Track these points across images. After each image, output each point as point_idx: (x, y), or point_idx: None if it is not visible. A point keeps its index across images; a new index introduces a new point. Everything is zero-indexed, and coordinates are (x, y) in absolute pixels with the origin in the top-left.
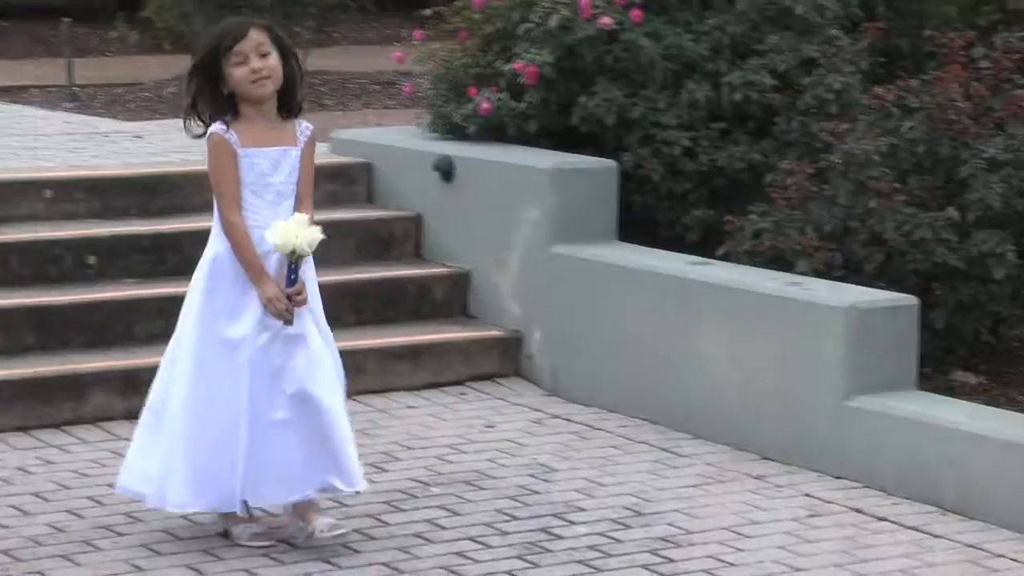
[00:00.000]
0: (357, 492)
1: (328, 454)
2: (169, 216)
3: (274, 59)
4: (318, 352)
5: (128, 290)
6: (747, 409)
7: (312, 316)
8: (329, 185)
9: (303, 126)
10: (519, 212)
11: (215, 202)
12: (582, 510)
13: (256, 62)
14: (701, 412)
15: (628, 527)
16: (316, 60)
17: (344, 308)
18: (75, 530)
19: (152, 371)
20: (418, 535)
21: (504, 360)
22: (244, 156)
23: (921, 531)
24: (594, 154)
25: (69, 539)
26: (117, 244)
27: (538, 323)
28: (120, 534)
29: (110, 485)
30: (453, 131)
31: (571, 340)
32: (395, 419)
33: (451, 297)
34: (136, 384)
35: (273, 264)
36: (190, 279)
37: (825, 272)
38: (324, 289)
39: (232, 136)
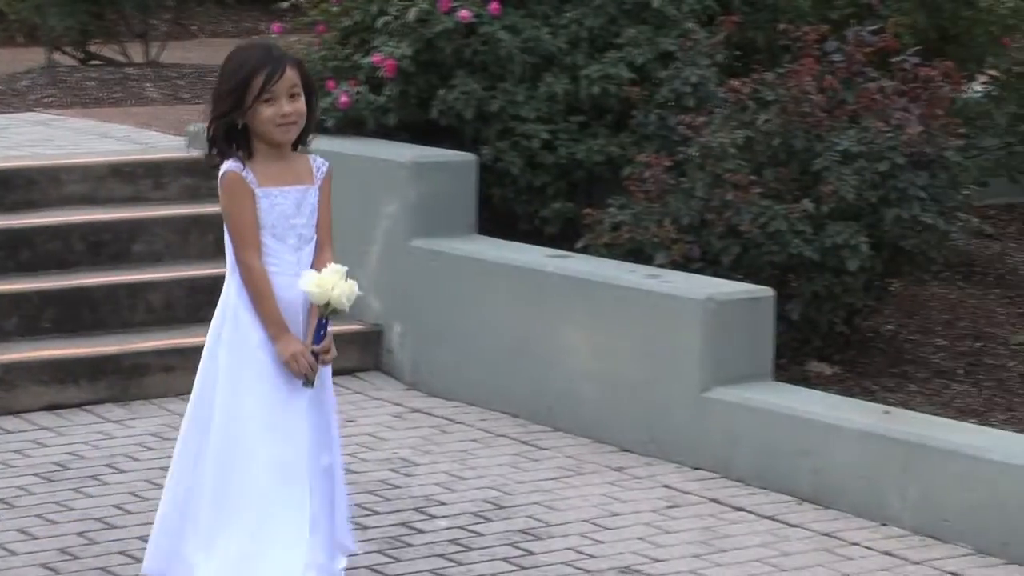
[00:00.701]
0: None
1: (322, 525)
2: (23, 211)
3: (302, 102)
4: (331, 416)
5: None
6: (606, 401)
7: (323, 373)
8: (187, 179)
9: (318, 162)
10: (378, 206)
11: (229, 247)
12: (443, 504)
13: (286, 105)
14: (561, 405)
15: (489, 520)
16: (173, 53)
17: (203, 302)
18: None
19: (5, 367)
20: None
21: (364, 354)
22: (264, 196)
23: (777, 520)
24: (453, 147)
25: None
26: None
27: (398, 317)
28: None
29: None
30: None
31: (431, 334)
32: None
33: None
34: None
35: (294, 316)
36: (44, 275)
37: (683, 264)
38: (183, 284)
39: (249, 175)
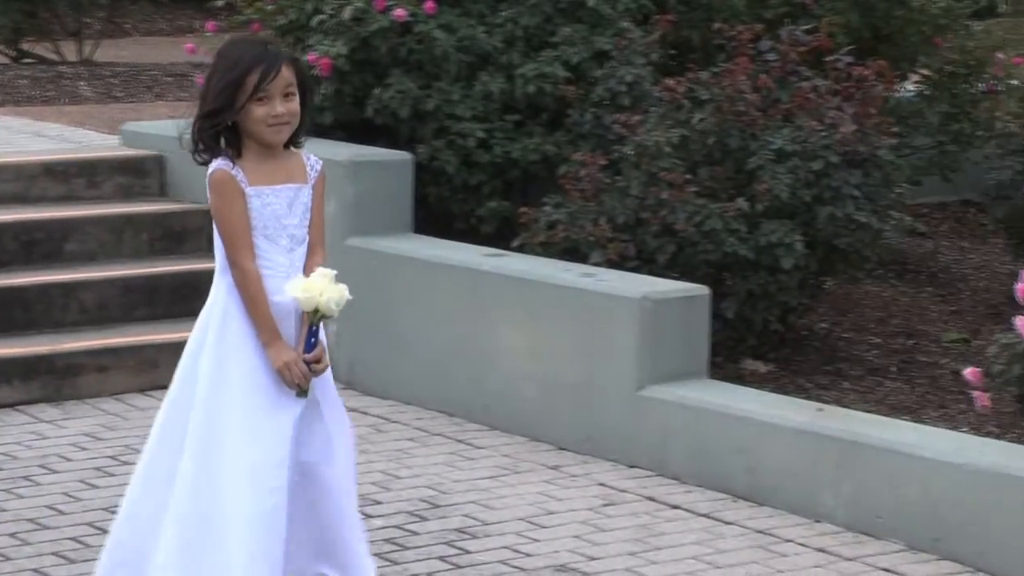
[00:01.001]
0: None
1: (328, 543)
2: None
3: (296, 102)
4: (333, 426)
5: None
6: (542, 400)
7: (324, 384)
8: (121, 178)
9: (312, 160)
10: None
11: (218, 249)
12: (378, 503)
13: (279, 105)
14: (497, 404)
15: (424, 519)
16: (106, 51)
17: (137, 302)
18: None
19: None
20: None
21: None
22: (255, 195)
23: (712, 518)
24: (389, 146)
25: None
26: None
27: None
28: None
29: None
30: None
31: (367, 333)
32: None
33: None
34: None
35: (287, 321)
36: None
37: (618, 263)
38: (116, 284)
39: (239, 173)
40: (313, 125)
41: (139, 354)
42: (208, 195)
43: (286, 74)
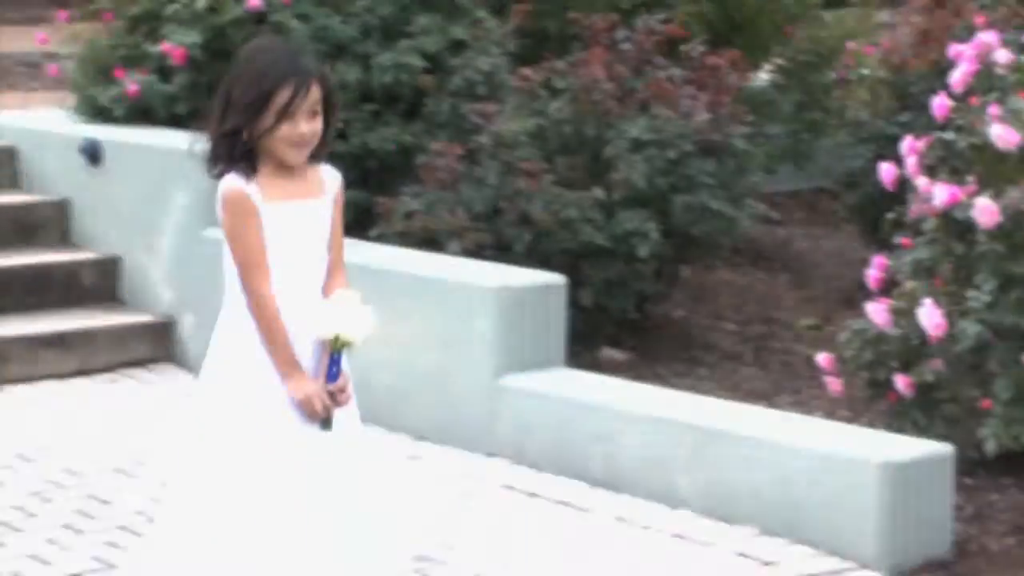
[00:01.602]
0: None
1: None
2: None
3: (319, 120)
4: (363, 461)
5: None
6: (401, 390)
7: (350, 414)
8: None
9: (331, 173)
10: (169, 196)
11: (230, 271)
12: None
13: (303, 124)
14: (354, 394)
15: None
16: None
17: None
18: None
19: None
20: (68, 526)
21: (156, 346)
22: (269, 213)
23: (570, 506)
24: None
25: None
26: None
27: (190, 308)
28: None
29: None
30: (100, 114)
31: None
32: (42, 408)
33: (100, 283)
34: None
35: (304, 349)
36: None
37: (476, 252)
38: None
39: (252, 188)
40: (168, 115)
41: None
42: (219, 212)
43: (315, 92)
